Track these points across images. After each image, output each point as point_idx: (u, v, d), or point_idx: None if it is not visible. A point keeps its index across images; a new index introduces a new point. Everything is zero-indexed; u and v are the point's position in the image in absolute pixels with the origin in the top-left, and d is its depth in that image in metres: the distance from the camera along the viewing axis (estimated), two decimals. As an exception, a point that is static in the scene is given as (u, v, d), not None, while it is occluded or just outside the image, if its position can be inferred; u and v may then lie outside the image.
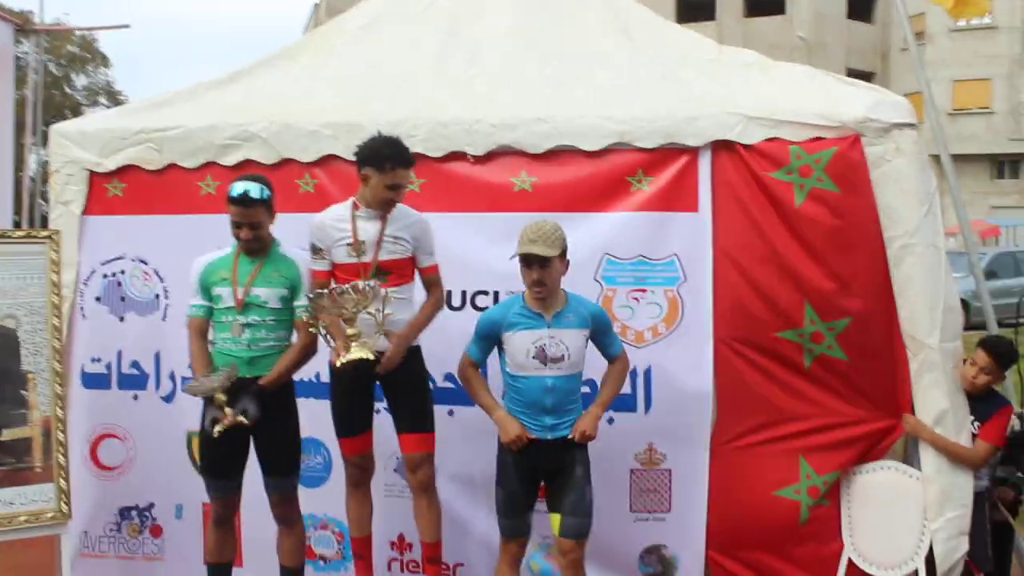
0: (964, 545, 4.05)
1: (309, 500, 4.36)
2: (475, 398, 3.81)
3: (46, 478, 4.19)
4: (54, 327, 4.32)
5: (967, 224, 5.12)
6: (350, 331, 3.62)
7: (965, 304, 11.44)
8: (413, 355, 3.85)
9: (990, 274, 9.31)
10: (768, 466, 4.22)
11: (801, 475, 4.19)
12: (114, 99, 32.15)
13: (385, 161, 3.69)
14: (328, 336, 3.69)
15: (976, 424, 4.19)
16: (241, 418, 3.67)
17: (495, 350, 3.77)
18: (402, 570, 4.45)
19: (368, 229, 3.78)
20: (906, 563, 4.07)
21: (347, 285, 3.60)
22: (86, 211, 4.76)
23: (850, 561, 4.17)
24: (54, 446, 4.22)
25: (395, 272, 3.82)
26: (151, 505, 4.74)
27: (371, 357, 3.62)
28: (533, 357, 3.62)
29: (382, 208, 3.77)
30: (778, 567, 4.26)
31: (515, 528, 3.74)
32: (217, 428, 3.67)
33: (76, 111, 28.76)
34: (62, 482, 4.20)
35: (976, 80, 30.66)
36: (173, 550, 4.66)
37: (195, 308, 3.95)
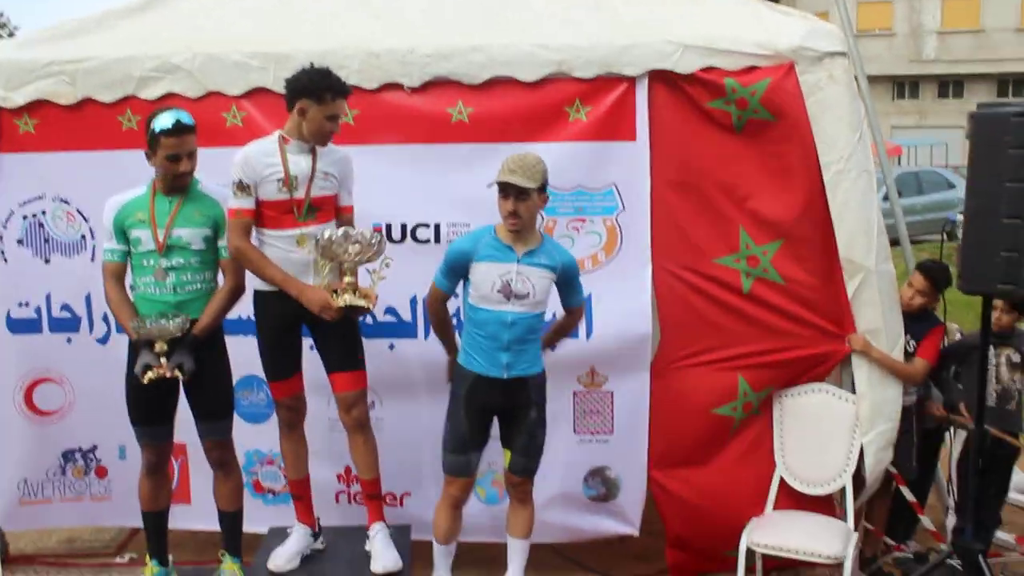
0: (889, 455, 4.29)
1: (254, 436, 4.40)
2: (439, 335, 3.85)
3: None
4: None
5: (882, 145, 5.25)
6: (347, 279, 3.55)
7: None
8: None
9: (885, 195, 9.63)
10: (707, 385, 4.35)
11: (739, 392, 4.33)
12: (6, 28, 30.25)
13: (325, 92, 3.55)
14: (326, 280, 3.59)
15: (912, 342, 4.42)
16: (177, 372, 3.57)
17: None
18: (349, 502, 4.48)
19: (300, 163, 3.65)
20: (834, 480, 4.28)
21: (359, 231, 3.54)
22: (-3, 149, 4.51)
23: (782, 481, 4.35)
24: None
25: (323, 209, 3.72)
26: (94, 447, 4.67)
27: (371, 307, 3.59)
28: (498, 291, 3.60)
29: (320, 141, 3.65)
30: (714, 481, 4.41)
31: (458, 465, 3.73)
32: (149, 375, 3.56)
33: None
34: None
35: (879, 2, 31.27)
36: (119, 490, 4.58)
37: (111, 253, 3.75)
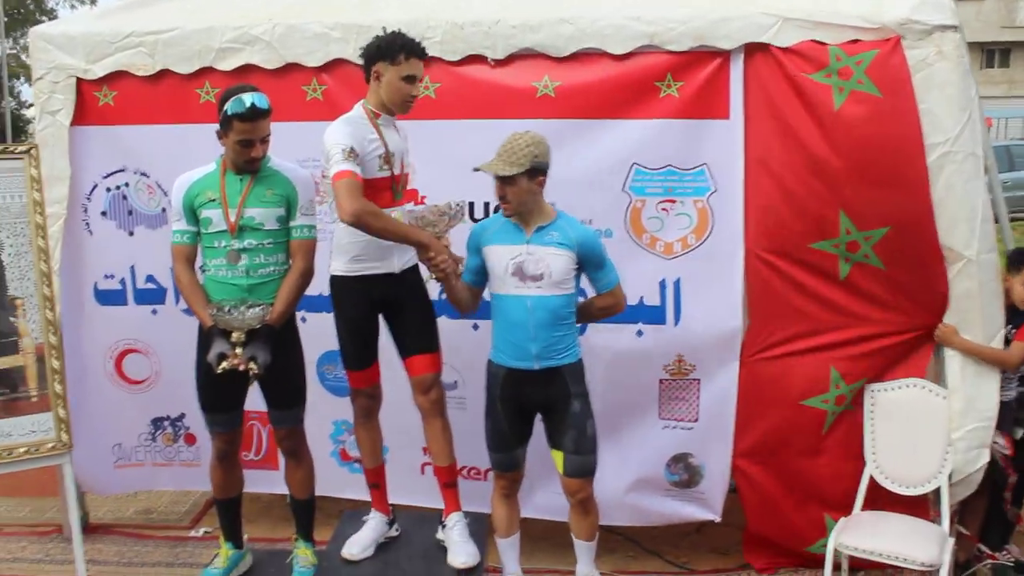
0: (984, 458, 4.04)
1: (341, 407, 4.37)
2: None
3: (43, 407, 4.07)
4: (40, 249, 4.12)
5: (982, 120, 4.92)
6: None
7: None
8: (414, 276, 3.67)
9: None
10: (798, 376, 4.18)
11: (831, 384, 4.15)
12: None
13: (398, 52, 3.38)
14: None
15: (1012, 331, 4.14)
16: (252, 365, 3.39)
17: None
18: (433, 462, 4.40)
19: (393, 139, 3.51)
20: (929, 481, 4.06)
21: (448, 203, 3.43)
22: (76, 121, 4.51)
23: (871, 480, 4.15)
24: (49, 374, 4.08)
25: (406, 186, 3.61)
26: (182, 415, 4.77)
27: (460, 270, 3.51)
28: (512, 274, 3.44)
29: (401, 109, 3.49)
30: (800, 474, 4.27)
31: (502, 463, 3.63)
32: (223, 365, 3.39)
33: (45, 11, 27.61)
34: (60, 411, 4.08)
35: (969, -34, 30.04)
36: (208, 456, 4.56)
37: (180, 235, 3.58)
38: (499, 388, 3.54)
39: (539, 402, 3.55)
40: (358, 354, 3.67)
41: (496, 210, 4.14)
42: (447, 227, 3.44)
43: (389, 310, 3.64)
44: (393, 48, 3.38)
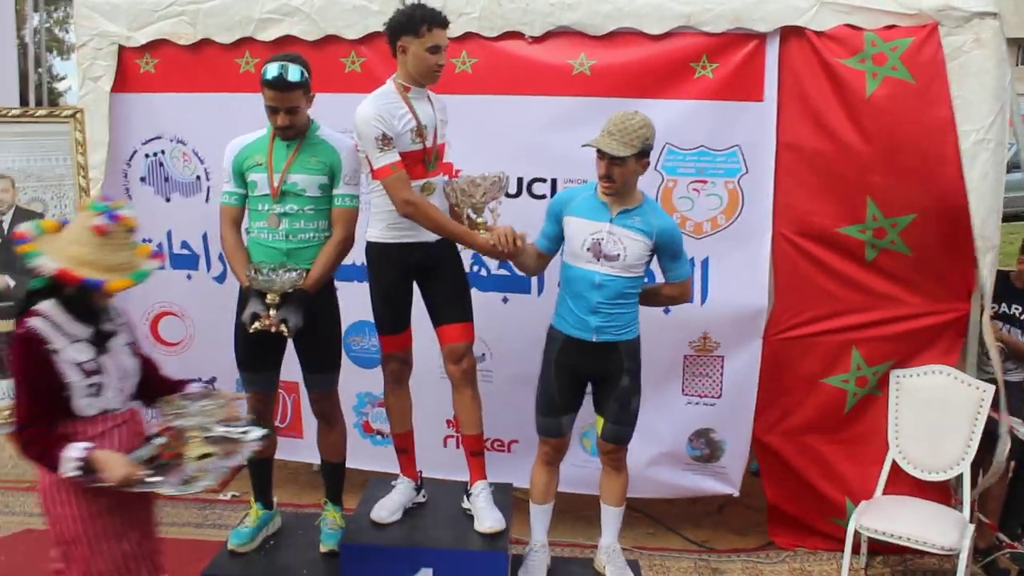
0: (1007, 444, 4.06)
1: (364, 379, 4.49)
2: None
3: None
4: (83, 210, 4.19)
5: (1017, 114, 4.92)
6: (479, 220, 3.48)
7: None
8: (449, 247, 3.70)
9: (1015, 166, 9.13)
10: (820, 355, 4.23)
11: (852, 365, 4.19)
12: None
13: (420, 24, 3.39)
14: (468, 224, 3.50)
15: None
16: (283, 327, 3.44)
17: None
18: (457, 446, 4.47)
19: (425, 111, 3.53)
20: (952, 467, 4.08)
21: (479, 175, 3.44)
22: (116, 87, 4.58)
23: (894, 463, 4.18)
24: (87, 334, 4.15)
25: (441, 158, 3.63)
26: (214, 379, 4.82)
27: (521, 244, 3.48)
28: (587, 249, 3.45)
29: (429, 79, 3.51)
30: (820, 450, 4.33)
31: (549, 428, 3.67)
32: (256, 326, 3.45)
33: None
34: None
35: (1005, -40, 29.62)
36: None
37: (228, 196, 3.66)
38: (556, 353, 3.59)
39: (593, 372, 3.60)
40: (391, 319, 3.72)
41: (530, 185, 4.25)
42: (485, 198, 3.46)
43: (423, 278, 3.68)
44: (415, 21, 3.40)
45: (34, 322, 2.57)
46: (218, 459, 2.76)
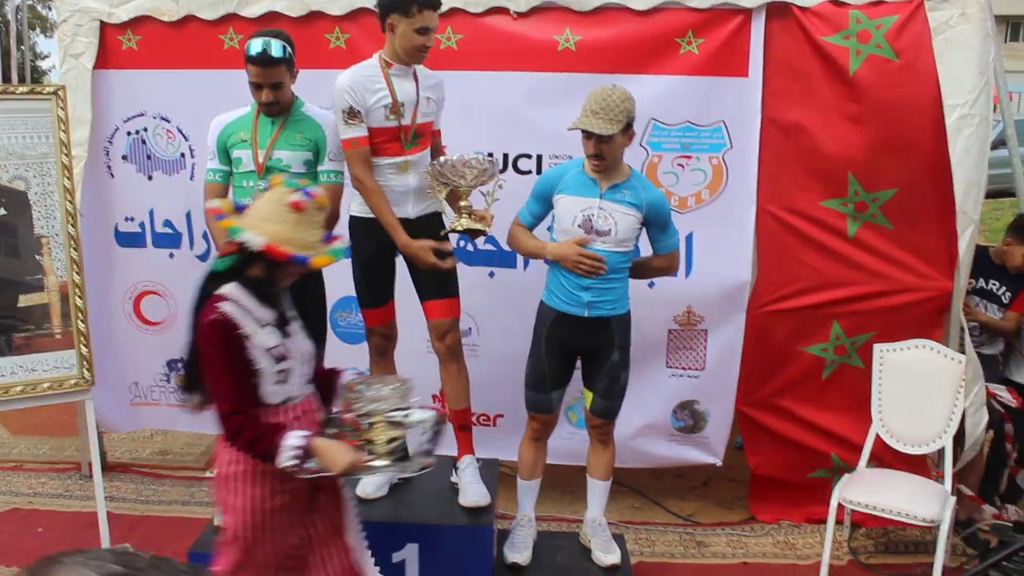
0: (985, 416, 4.14)
1: (351, 355, 4.42)
2: (522, 249, 3.68)
3: (67, 344, 4.11)
4: (65, 188, 4.14)
5: (1005, 89, 4.93)
6: (463, 203, 3.46)
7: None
8: (435, 223, 3.69)
9: (1001, 142, 9.14)
10: (801, 327, 4.28)
11: (831, 335, 4.24)
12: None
13: (411, 4, 3.36)
14: (443, 205, 3.51)
15: (1008, 295, 4.34)
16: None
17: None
18: (447, 406, 4.47)
19: (405, 89, 3.51)
20: (934, 440, 4.09)
21: (474, 156, 3.42)
22: (99, 64, 4.53)
23: (877, 437, 4.21)
24: (73, 312, 4.13)
25: (424, 135, 3.61)
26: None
27: (486, 231, 3.47)
28: (578, 226, 3.46)
29: (415, 59, 3.50)
30: (800, 412, 4.38)
31: (539, 403, 3.67)
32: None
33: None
34: (83, 348, 4.13)
35: (993, -64, 29.53)
36: None
37: (213, 173, 3.67)
38: (547, 328, 3.59)
39: (583, 346, 3.61)
40: (372, 292, 3.73)
41: (516, 161, 4.24)
42: (474, 182, 3.44)
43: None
44: (406, 1, 3.38)
45: (225, 306, 2.48)
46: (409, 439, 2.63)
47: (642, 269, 3.69)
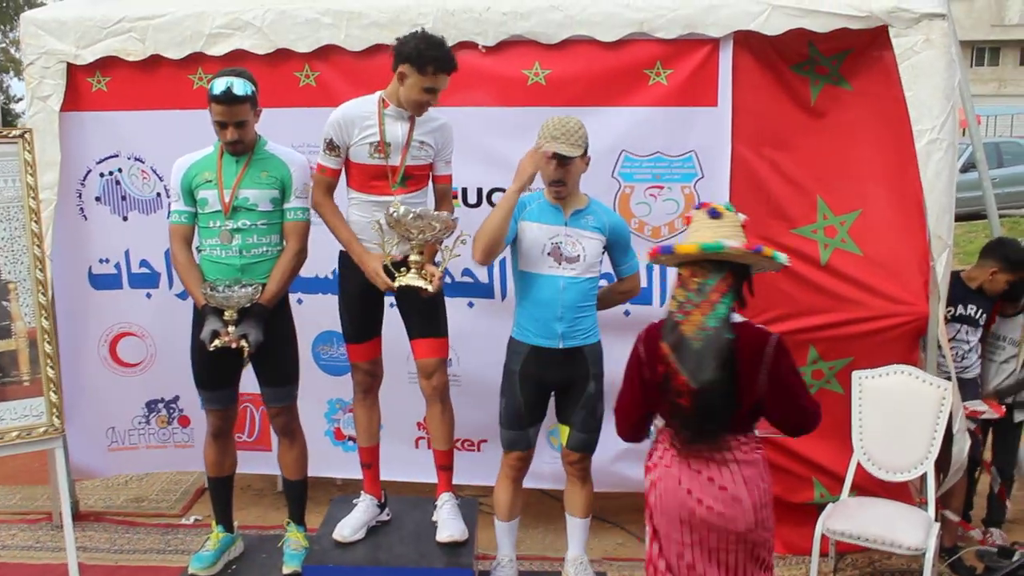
0: (967, 440, 4.11)
1: (336, 387, 4.53)
2: (490, 224, 3.53)
3: (35, 392, 4.06)
4: (33, 233, 4.11)
5: (972, 113, 4.98)
6: (412, 257, 3.45)
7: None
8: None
9: (971, 166, 9.27)
10: None
11: (808, 359, 4.21)
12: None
13: (428, 64, 3.39)
14: (388, 256, 3.49)
15: (983, 315, 4.36)
16: (243, 343, 3.48)
17: (508, 251, 3.63)
18: (429, 447, 4.41)
19: (396, 130, 3.52)
20: (915, 467, 4.07)
21: (430, 212, 3.44)
22: (68, 107, 4.50)
23: (859, 465, 4.18)
24: (42, 359, 4.08)
25: (415, 178, 3.61)
26: (176, 397, 4.81)
27: (431, 289, 3.45)
28: (548, 254, 3.49)
29: (414, 111, 3.52)
30: (779, 442, 4.23)
31: (515, 441, 3.66)
32: (216, 343, 3.48)
33: (35, 4, 27.55)
34: (52, 395, 4.09)
35: (960, -35, 30.14)
36: (202, 438, 4.57)
37: (178, 214, 3.66)
38: (520, 364, 3.58)
39: (558, 380, 3.60)
40: (355, 328, 3.71)
41: (491, 195, 4.24)
42: (422, 238, 3.42)
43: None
44: (424, 60, 3.39)
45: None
46: None
47: (607, 299, 3.73)
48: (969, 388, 4.29)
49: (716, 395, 2.60)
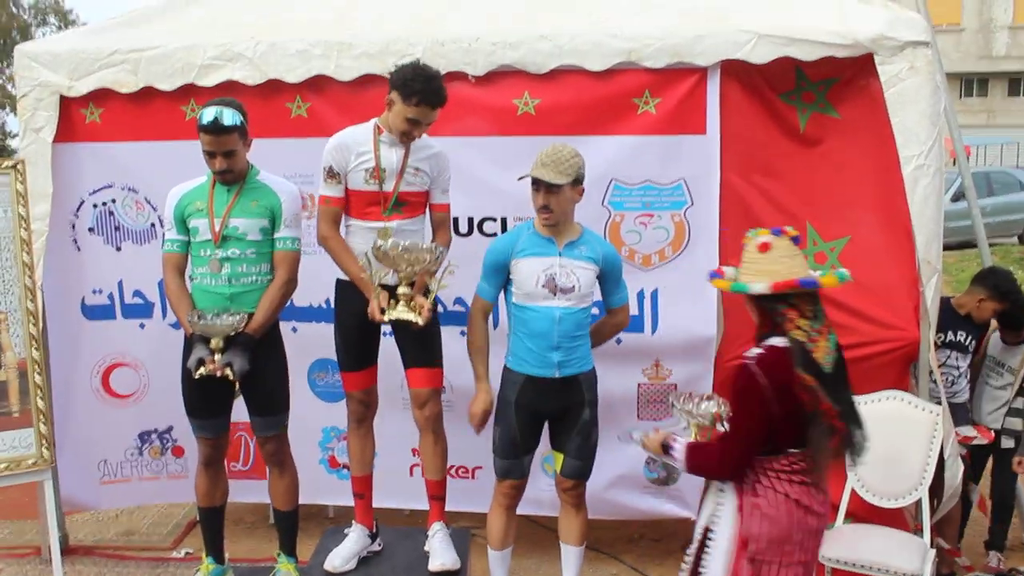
0: (960, 465, 4.11)
1: (330, 414, 4.54)
2: (471, 356, 3.69)
3: (24, 423, 4.06)
4: (24, 264, 4.13)
5: (959, 142, 5.03)
6: (401, 289, 3.44)
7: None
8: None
9: (962, 195, 9.35)
10: None
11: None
12: (64, 19, 30.95)
13: (413, 95, 3.42)
14: (376, 289, 3.47)
15: (972, 341, 4.40)
16: (228, 371, 3.47)
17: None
18: (423, 475, 4.41)
19: (390, 157, 3.55)
20: (909, 493, 4.06)
21: (416, 244, 3.41)
22: (61, 138, 4.52)
23: (853, 492, 4.17)
24: (32, 389, 4.07)
25: (410, 204, 3.62)
26: (170, 428, 4.79)
27: (420, 322, 3.43)
28: (542, 286, 3.49)
29: (399, 138, 3.53)
30: None
31: (511, 469, 3.65)
32: (201, 371, 3.48)
33: (26, 33, 27.77)
34: (42, 427, 4.08)
35: (947, -3, 30.54)
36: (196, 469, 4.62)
37: (171, 243, 3.68)
38: (516, 393, 3.58)
39: (554, 408, 3.61)
40: (352, 356, 3.70)
41: (481, 224, 4.25)
42: (409, 270, 3.41)
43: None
44: (409, 90, 3.41)
45: None
46: None
47: (599, 334, 3.73)
48: (959, 413, 4.30)
49: (856, 410, 2.86)
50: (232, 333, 3.50)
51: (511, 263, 3.55)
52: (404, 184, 3.57)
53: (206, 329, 3.48)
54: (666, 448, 3.00)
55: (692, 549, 2.99)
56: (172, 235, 3.68)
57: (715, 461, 2.91)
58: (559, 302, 3.49)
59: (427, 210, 3.72)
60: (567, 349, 3.52)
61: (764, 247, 2.86)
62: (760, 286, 2.83)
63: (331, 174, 3.56)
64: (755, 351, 2.84)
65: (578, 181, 3.48)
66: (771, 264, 2.86)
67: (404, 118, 3.45)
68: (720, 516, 2.92)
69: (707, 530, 2.95)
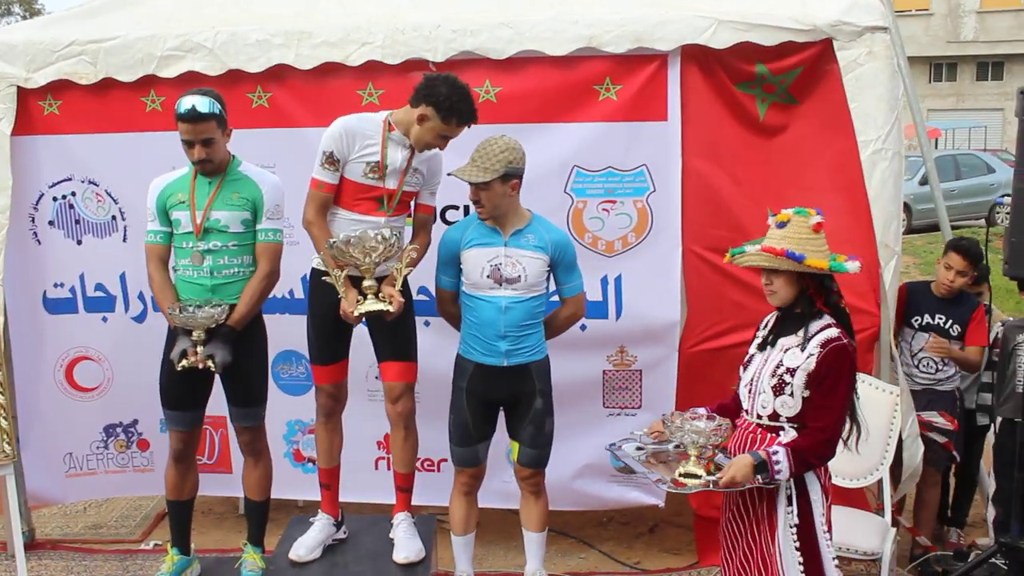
0: (921, 447, 4.15)
1: (295, 407, 4.52)
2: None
3: (-15, 419, 4.02)
4: (-16, 258, 4.08)
5: (922, 126, 5.08)
6: (366, 283, 3.41)
7: (907, 207, 11.61)
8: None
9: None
10: (734, 363, 4.23)
11: None
12: (29, 8, 30.52)
13: (454, 116, 3.40)
14: (343, 288, 3.43)
15: (955, 327, 4.37)
16: (210, 363, 3.47)
17: None
18: (388, 468, 4.35)
19: (396, 155, 3.52)
20: (871, 473, 4.12)
21: (372, 234, 3.37)
22: (20, 131, 4.46)
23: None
24: (-8, 386, 4.04)
25: (403, 203, 3.63)
26: (135, 421, 4.77)
27: (391, 310, 3.41)
28: (487, 276, 3.49)
29: (417, 147, 3.52)
30: None
31: (465, 457, 3.67)
32: (183, 363, 3.47)
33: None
34: (3, 422, 4.05)
35: (915, -18, 30.75)
36: (162, 462, 4.49)
37: (154, 234, 3.67)
38: (466, 381, 3.59)
39: (505, 396, 3.61)
40: (323, 348, 3.69)
41: (444, 213, 4.25)
42: (368, 260, 3.38)
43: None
44: (452, 112, 3.39)
45: None
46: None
47: (551, 327, 3.71)
48: (944, 400, 4.36)
49: None
50: (213, 325, 3.49)
51: (460, 254, 3.55)
52: (405, 184, 3.56)
53: (186, 321, 3.48)
54: (760, 467, 2.85)
55: (792, 510, 2.99)
56: (155, 226, 3.67)
57: (826, 451, 2.96)
58: (505, 292, 3.49)
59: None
60: (514, 338, 3.51)
61: (819, 227, 2.94)
62: (855, 265, 2.95)
63: (330, 159, 3.48)
64: (834, 331, 2.93)
65: (510, 176, 3.43)
66: (824, 243, 2.96)
67: (437, 135, 3.45)
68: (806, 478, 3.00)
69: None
